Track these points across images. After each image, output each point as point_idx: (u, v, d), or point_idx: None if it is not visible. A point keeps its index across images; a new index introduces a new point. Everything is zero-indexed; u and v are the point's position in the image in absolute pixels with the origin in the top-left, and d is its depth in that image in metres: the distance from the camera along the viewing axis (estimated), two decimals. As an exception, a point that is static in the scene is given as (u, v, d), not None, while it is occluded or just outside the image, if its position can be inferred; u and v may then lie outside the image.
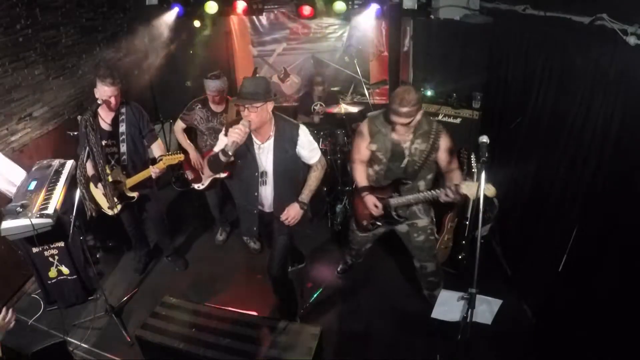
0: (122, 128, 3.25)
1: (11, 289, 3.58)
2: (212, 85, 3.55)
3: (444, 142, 2.72)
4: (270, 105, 2.50)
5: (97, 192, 3.32)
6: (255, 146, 2.64)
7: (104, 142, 3.22)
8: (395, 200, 2.84)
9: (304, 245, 4.17)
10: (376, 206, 2.83)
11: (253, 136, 2.61)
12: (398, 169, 2.82)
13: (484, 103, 4.27)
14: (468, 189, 2.45)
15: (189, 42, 5.59)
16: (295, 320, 3.19)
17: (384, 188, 2.89)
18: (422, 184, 2.85)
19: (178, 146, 4.33)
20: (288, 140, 2.63)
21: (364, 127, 2.86)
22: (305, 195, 2.78)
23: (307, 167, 2.83)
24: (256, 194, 2.75)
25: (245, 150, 2.62)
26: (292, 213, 2.74)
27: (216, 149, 2.69)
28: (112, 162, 3.29)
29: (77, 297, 3.47)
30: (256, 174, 2.70)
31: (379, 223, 3.01)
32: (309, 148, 2.70)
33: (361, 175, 2.96)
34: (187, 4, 5.19)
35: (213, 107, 3.70)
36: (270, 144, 2.62)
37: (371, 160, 2.92)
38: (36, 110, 3.83)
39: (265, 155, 2.66)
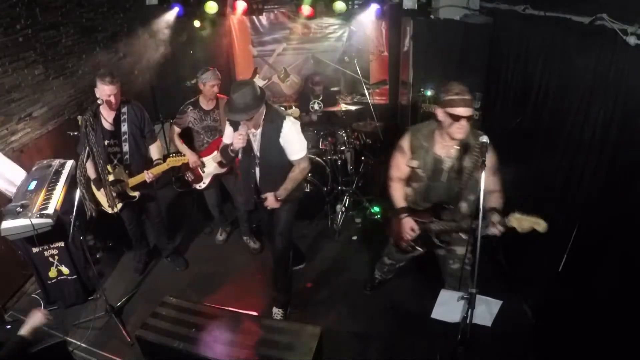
0: (124, 127, 3.27)
1: (11, 289, 3.58)
2: (209, 77, 3.58)
3: (489, 159, 2.33)
4: (262, 108, 2.70)
5: (99, 195, 3.33)
6: (250, 133, 2.86)
7: (106, 142, 3.24)
8: (436, 226, 2.60)
9: (304, 245, 4.17)
10: (413, 230, 2.63)
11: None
12: (439, 188, 2.58)
13: (484, 103, 4.27)
14: (518, 222, 2.23)
15: (189, 42, 5.59)
16: (285, 312, 3.24)
17: (424, 211, 2.66)
18: (464, 206, 2.59)
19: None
20: (274, 130, 2.78)
21: (405, 142, 2.64)
22: (281, 191, 2.93)
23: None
24: (253, 171, 3.04)
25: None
26: (269, 201, 2.96)
27: (225, 139, 3.03)
28: (115, 161, 3.30)
29: (77, 297, 3.47)
30: (252, 154, 2.96)
31: (418, 248, 2.78)
32: (290, 142, 2.80)
33: (399, 195, 2.73)
34: (187, 4, 5.20)
35: (204, 105, 3.74)
36: (259, 132, 2.82)
37: (410, 178, 2.70)
38: (36, 110, 3.83)
39: (257, 142, 2.88)
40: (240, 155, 2.99)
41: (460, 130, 2.34)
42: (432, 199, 2.63)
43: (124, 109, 3.28)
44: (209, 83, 3.59)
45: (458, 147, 2.46)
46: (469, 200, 2.57)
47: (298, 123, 2.84)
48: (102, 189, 3.24)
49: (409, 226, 2.63)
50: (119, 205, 3.31)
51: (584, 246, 2.61)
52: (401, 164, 2.67)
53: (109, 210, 3.26)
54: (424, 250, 2.83)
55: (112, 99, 3.12)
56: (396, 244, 2.91)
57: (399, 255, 3.06)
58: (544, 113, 3.14)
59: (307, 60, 6.05)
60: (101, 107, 3.17)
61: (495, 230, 2.31)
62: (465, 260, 2.66)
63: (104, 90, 3.07)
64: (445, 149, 2.49)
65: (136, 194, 3.38)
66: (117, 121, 3.26)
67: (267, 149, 2.85)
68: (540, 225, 2.20)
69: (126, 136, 3.28)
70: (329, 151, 4.56)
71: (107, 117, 3.24)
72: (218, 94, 3.76)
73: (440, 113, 2.39)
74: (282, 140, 2.79)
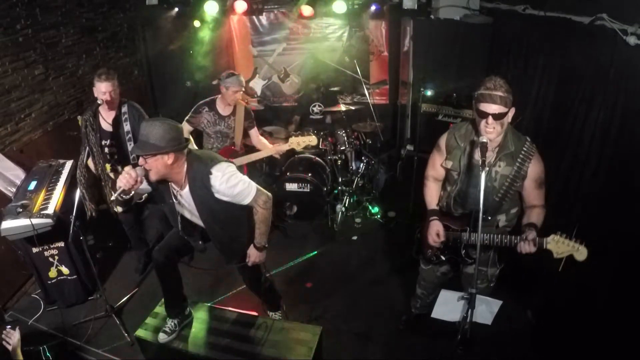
0: (127, 127, 3.24)
1: (11, 289, 3.58)
2: (233, 82, 3.49)
3: (533, 169, 2.19)
4: (168, 157, 2.14)
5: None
6: (174, 192, 2.36)
7: (104, 142, 3.23)
8: (467, 237, 2.35)
9: (304, 244, 4.17)
10: (438, 236, 2.39)
11: (170, 183, 2.33)
12: (473, 195, 2.30)
13: (484, 103, 4.27)
14: (556, 245, 2.08)
15: (189, 42, 5.60)
16: (281, 311, 3.17)
17: (457, 218, 2.44)
18: (502, 219, 2.37)
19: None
20: (201, 187, 2.25)
21: (442, 140, 2.41)
22: (260, 238, 2.50)
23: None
24: (186, 237, 2.57)
25: (161, 195, 2.40)
26: (253, 258, 2.56)
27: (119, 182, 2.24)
28: (112, 162, 3.30)
29: (77, 297, 3.47)
30: (180, 221, 2.48)
31: (442, 257, 2.54)
32: (229, 194, 2.27)
33: (432, 196, 2.52)
34: (187, 4, 5.20)
35: (221, 110, 3.65)
36: (187, 192, 2.31)
37: (445, 180, 2.49)
38: (36, 110, 3.83)
39: (188, 203, 2.38)
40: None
41: (486, 129, 2.07)
42: (468, 206, 2.38)
43: (125, 109, 3.26)
44: (232, 88, 3.49)
45: (496, 153, 2.19)
46: (510, 213, 2.36)
47: (230, 166, 2.31)
48: (107, 187, 3.23)
49: (435, 230, 2.40)
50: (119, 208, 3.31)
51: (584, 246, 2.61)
52: (437, 163, 2.46)
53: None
54: (446, 260, 2.57)
55: (109, 96, 3.08)
56: (423, 250, 2.66)
57: (427, 271, 2.77)
58: (544, 113, 3.14)
59: (307, 60, 6.05)
60: (100, 108, 3.16)
61: (526, 247, 2.12)
62: (492, 278, 2.56)
63: (100, 88, 3.05)
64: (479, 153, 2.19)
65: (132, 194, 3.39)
66: (116, 122, 3.25)
67: (206, 209, 2.35)
68: (581, 253, 2.04)
69: (130, 135, 3.25)
70: (329, 151, 4.56)
71: (106, 117, 3.23)
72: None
73: (473, 108, 2.18)
74: (218, 196, 2.28)
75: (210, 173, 2.22)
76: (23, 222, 2.85)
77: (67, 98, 4.24)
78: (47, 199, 3.08)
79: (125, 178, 2.09)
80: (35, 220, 2.87)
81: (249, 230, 2.52)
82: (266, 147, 3.78)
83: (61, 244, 3.27)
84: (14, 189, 3.28)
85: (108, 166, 3.24)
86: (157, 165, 2.14)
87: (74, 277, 3.39)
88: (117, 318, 3.25)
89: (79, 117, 3.28)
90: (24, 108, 3.70)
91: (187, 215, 2.48)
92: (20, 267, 3.52)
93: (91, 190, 3.34)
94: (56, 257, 3.31)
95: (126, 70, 5.19)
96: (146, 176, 2.17)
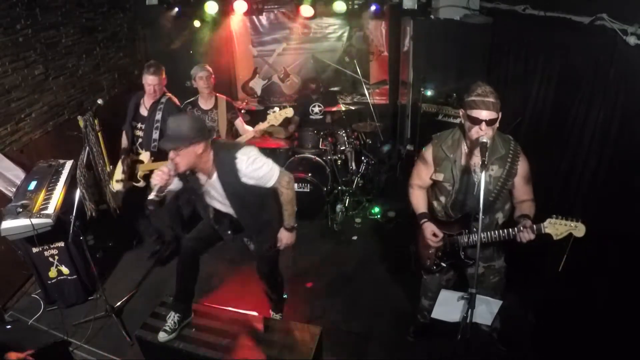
0: (158, 116, 3.41)
1: (11, 289, 3.58)
2: (197, 70, 3.73)
3: (522, 167, 2.27)
4: (198, 147, 2.23)
5: (118, 166, 3.53)
6: (202, 181, 2.44)
7: (136, 125, 3.48)
8: (465, 239, 2.39)
9: (305, 245, 4.16)
10: (435, 235, 2.38)
11: (197, 174, 2.41)
12: (469, 201, 2.35)
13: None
14: (553, 227, 2.12)
15: (189, 42, 5.60)
16: (282, 313, 3.17)
17: (452, 223, 2.44)
18: (500, 216, 2.42)
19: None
20: (229, 172, 2.35)
21: (428, 153, 2.41)
22: (288, 219, 2.59)
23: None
24: (217, 227, 2.66)
25: (192, 188, 2.48)
26: (285, 240, 2.64)
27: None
28: (137, 144, 3.48)
29: (77, 297, 3.47)
30: (210, 209, 2.59)
31: (443, 264, 2.52)
32: (254, 176, 2.36)
33: (419, 200, 2.51)
34: (187, 4, 5.20)
35: (203, 105, 3.83)
36: (215, 179, 2.39)
37: (436, 191, 2.50)
38: (36, 110, 3.83)
39: (216, 191, 2.46)
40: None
41: (479, 135, 2.12)
42: (463, 210, 2.41)
43: (163, 100, 3.45)
44: (198, 75, 3.71)
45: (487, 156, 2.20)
46: (505, 209, 2.42)
47: (253, 149, 2.40)
48: (124, 162, 3.46)
49: (430, 231, 2.38)
50: (119, 186, 3.45)
51: (584, 246, 2.61)
52: (423, 174, 2.47)
53: (115, 187, 3.45)
54: (448, 266, 2.55)
55: (152, 89, 3.35)
56: (421, 262, 2.63)
57: (430, 280, 2.77)
58: (544, 113, 3.14)
59: (307, 60, 6.05)
60: (145, 94, 3.43)
61: (526, 235, 2.17)
62: (503, 270, 2.57)
63: (147, 80, 3.32)
64: (475, 159, 2.25)
65: (142, 183, 3.44)
66: (152, 108, 3.42)
67: (235, 194, 2.43)
68: (579, 229, 2.07)
69: (158, 124, 3.40)
70: (329, 151, 4.56)
71: (146, 103, 3.46)
72: (218, 94, 3.82)
73: (462, 115, 2.23)
74: (245, 179, 2.35)
75: (236, 157, 2.31)
76: (23, 222, 2.85)
77: (67, 98, 4.24)
78: (47, 199, 3.08)
79: (159, 175, 2.18)
80: (35, 220, 2.87)
81: (278, 214, 2.60)
82: (249, 131, 3.87)
83: (61, 244, 3.27)
84: (14, 189, 3.28)
85: (133, 148, 3.47)
86: (189, 156, 2.23)
87: (74, 277, 3.39)
88: (117, 318, 3.25)
89: (79, 117, 3.30)
90: (24, 108, 3.70)
91: (217, 205, 2.56)
92: (20, 267, 3.52)
93: (91, 190, 3.36)
94: (56, 257, 3.31)
95: (126, 70, 5.19)
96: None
